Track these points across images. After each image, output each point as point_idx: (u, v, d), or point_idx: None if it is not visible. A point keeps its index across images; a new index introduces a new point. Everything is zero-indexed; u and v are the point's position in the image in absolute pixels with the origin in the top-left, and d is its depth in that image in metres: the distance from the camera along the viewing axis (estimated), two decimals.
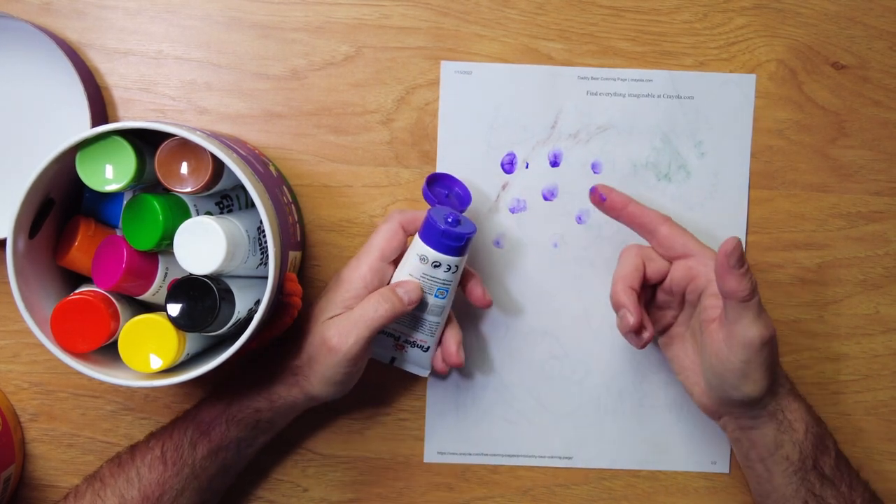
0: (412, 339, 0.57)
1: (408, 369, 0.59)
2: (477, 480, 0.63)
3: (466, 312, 0.61)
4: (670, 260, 0.56)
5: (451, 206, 0.57)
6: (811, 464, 0.54)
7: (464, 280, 0.57)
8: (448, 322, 0.58)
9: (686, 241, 0.55)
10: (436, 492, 0.63)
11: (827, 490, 0.54)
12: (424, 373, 0.59)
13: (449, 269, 0.54)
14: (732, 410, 0.55)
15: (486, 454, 0.63)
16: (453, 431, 0.63)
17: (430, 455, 0.63)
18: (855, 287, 0.63)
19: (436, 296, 0.55)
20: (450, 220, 0.53)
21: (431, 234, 0.53)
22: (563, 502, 0.63)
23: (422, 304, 0.55)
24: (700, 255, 0.54)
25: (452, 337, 0.57)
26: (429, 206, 0.56)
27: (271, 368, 0.56)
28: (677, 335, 0.58)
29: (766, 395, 0.53)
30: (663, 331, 0.58)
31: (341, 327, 0.53)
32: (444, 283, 0.54)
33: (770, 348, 0.52)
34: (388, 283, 0.55)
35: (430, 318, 0.56)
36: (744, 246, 0.49)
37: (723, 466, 0.63)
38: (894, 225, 0.62)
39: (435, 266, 0.53)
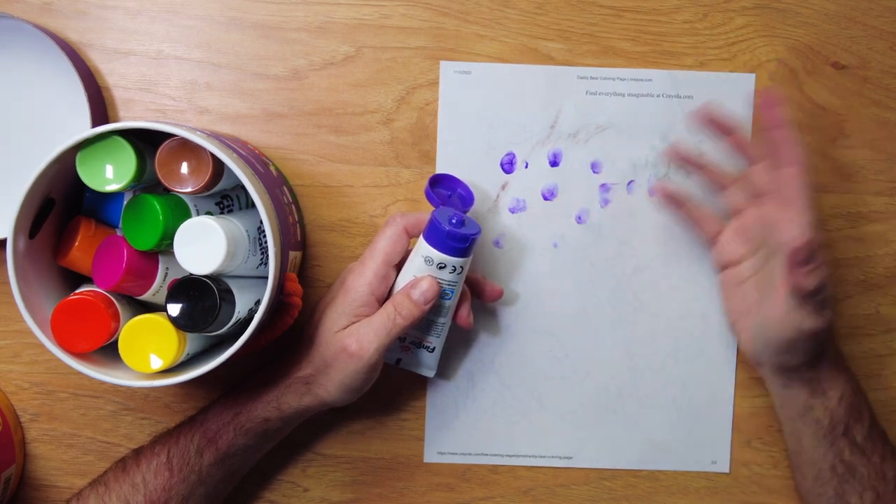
0: (418, 340, 0.57)
1: (414, 370, 0.59)
2: (477, 481, 0.63)
3: None
4: (772, 197, 0.54)
5: (454, 207, 0.57)
6: (842, 430, 0.55)
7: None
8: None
9: (798, 193, 0.52)
10: (436, 492, 0.63)
11: (857, 458, 0.55)
12: (430, 373, 0.59)
13: (454, 271, 0.54)
14: (770, 367, 0.57)
15: (487, 454, 0.63)
16: (453, 431, 0.63)
17: (431, 455, 0.63)
18: (855, 287, 0.63)
19: (441, 297, 0.55)
20: (454, 220, 0.53)
21: (436, 236, 0.53)
22: (563, 502, 0.63)
23: None
24: (800, 213, 0.52)
25: (462, 301, 0.57)
26: (431, 207, 0.56)
27: (279, 378, 0.56)
28: (741, 277, 0.58)
29: (803, 366, 0.55)
30: (725, 266, 0.59)
31: (361, 335, 0.53)
32: (449, 285, 0.54)
33: (822, 335, 0.53)
34: (393, 287, 0.55)
35: (436, 319, 0.56)
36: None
37: (723, 466, 0.63)
38: (894, 225, 0.62)
39: (440, 267, 0.53)
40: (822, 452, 0.56)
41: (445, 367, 0.62)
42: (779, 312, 0.53)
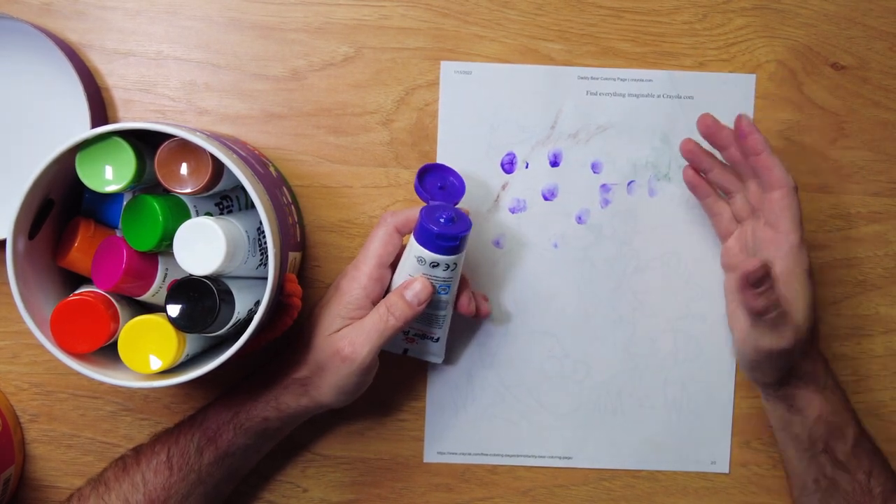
0: (422, 333, 0.58)
1: (422, 358, 0.59)
2: (477, 481, 0.63)
3: None
4: (760, 217, 0.55)
5: (444, 197, 0.56)
6: (821, 447, 0.56)
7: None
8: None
9: (782, 215, 0.53)
10: (435, 492, 0.63)
11: (840, 474, 0.55)
12: (438, 360, 0.59)
13: (448, 268, 0.54)
14: (750, 381, 0.59)
15: (486, 454, 0.63)
16: (453, 432, 0.63)
17: (430, 455, 0.63)
18: (854, 288, 0.63)
19: (439, 292, 0.55)
20: (443, 219, 0.52)
21: (426, 236, 0.52)
22: (562, 503, 0.63)
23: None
24: (785, 236, 0.53)
25: (462, 289, 0.57)
26: (421, 202, 0.55)
27: (278, 379, 0.56)
28: None
29: (774, 383, 0.56)
30: (728, 269, 0.60)
31: (354, 337, 0.53)
32: (445, 280, 0.54)
33: (783, 356, 0.53)
34: (389, 287, 0.55)
35: (437, 313, 0.56)
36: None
37: (722, 466, 0.63)
38: (894, 226, 0.63)
39: (434, 266, 0.53)
40: (804, 466, 0.57)
41: (445, 367, 0.62)
42: (742, 330, 0.55)
